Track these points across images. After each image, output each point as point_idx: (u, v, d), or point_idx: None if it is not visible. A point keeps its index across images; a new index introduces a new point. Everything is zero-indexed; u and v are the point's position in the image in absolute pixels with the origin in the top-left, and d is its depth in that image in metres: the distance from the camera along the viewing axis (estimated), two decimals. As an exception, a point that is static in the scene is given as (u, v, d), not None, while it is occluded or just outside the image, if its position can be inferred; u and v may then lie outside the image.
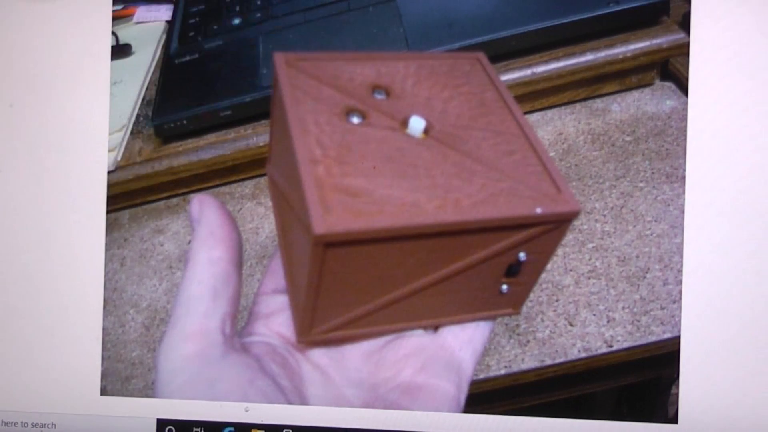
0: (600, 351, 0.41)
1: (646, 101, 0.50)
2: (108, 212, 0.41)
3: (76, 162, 0.41)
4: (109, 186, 0.41)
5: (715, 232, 0.37)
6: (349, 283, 0.26)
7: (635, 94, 0.51)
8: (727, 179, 0.37)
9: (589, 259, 0.44)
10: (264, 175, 0.52)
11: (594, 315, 0.42)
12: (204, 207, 0.28)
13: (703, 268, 0.37)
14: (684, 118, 0.37)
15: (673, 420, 0.37)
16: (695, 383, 0.37)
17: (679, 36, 0.47)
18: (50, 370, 0.39)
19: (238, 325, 0.28)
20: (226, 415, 0.37)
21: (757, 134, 0.37)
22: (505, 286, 0.29)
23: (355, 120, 0.27)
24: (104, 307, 0.44)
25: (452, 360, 0.30)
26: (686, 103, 0.37)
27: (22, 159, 0.41)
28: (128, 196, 0.51)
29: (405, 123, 0.27)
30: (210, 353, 0.26)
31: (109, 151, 0.43)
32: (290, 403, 0.28)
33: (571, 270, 0.44)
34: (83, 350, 0.39)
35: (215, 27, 0.54)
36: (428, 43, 0.48)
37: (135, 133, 0.52)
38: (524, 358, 0.42)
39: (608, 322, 0.42)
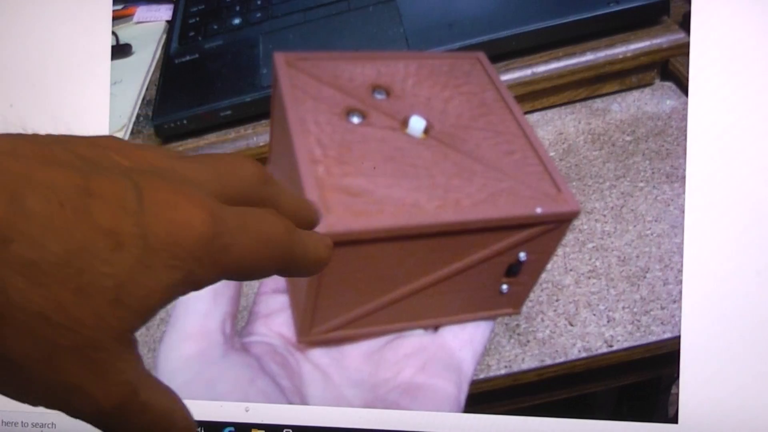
0: (600, 351, 0.41)
1: (646, 101, 0.50)
2: (108, 212, 0.40)
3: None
4: (109, 186, 0.41)
5: (715, 232, 0.37)
6: (350, 283, 0.26)
7: (635, 94, 0.50)
8: (727, 179, 0.37)
9: (590, 259, 0.44)
10: (264, 175, 0.52)
11: (594, 315, 0.42)
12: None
13: (703, 268, 0.37)
14: (684, 118, 0.37)
15: (673, 420, 0.37)
16: (695, 383, 0.37)
17: (679, 36, 0.47)
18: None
19: (238, 325, 0.28)
20: (226, 415, 0.37)
21: (757, 134, 0.37)
22: (505, 286, 0.29)
23: (356, 120, 0.27)
24: (104, 307, 0.44)
25: (452, 360, 0.30)
26: (686, 103, 0.37)
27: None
28: (128, 196, 0.51)
29: (405, 123, 0.27)
30: (210, 353, 0.26)
31: (109, 151, 0.42)
32: (290, 403, 0.28)
33: (571, 270, 0.44)
34: (83, 350, 0.39)
35: (215, 27, 0.54)
36: (428, 43, 0.48)
37: (135, 132, 0.52)
38: (524, 358, 0.42)
39: (608, 322, 0.42)
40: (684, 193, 0.39)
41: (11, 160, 0.14)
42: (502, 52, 0.49)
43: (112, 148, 0.16)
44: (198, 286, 0.16)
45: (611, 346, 0.41)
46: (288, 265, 0.18)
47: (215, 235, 0.16)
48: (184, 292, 0.16)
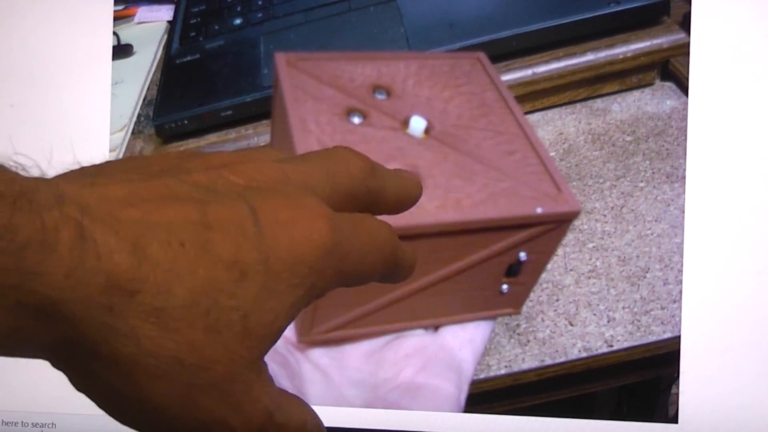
0: (600, 351, 0.41)
1: (647, 101, 0.50)
2: (109, 212, 0.41)
3: (77, 162, 0.41)
4: (110, 186, 0.41)
5: (715, 232, 0.37)
6: (350, 283, 0.26)
7: (635, 94, 0.50)
8: (727, 179, 0.37)
9: (590, 259, 0.44)
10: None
11: (594, 315, 0.42)
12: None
13: (703, 268, 0.37)
14: (684, 118, 0.37)
15: (673, 420, 0.37)
16: (695, 383, 0.37)
17: (680, 36, 0.47)
18: (50, 370, 0.39)
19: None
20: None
21: (757, 134, 0.37)
22: (505, 286, 0.29)
23: (356, 120, 0.27)
24: (105, 307, 0.44)
25: (452, 360, 0.30)
26: (686, 103, 0.37)
27: (22, 159, 0.41)
28: (129, 195, 0.51)
29: (406, 123, 0.27)
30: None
31: (110, 151, 0.43)
32: (291, 402, 0.28)
33: (571, 270, 0.44)
34: (84, 350, 0.39)
35: (216, 27, 0.54)
36: (429, 43, 0.48)
37: (136, 133, 0.52)
38: (524, 358, 0.42)
39: (608, 321, 0.42)
40: (684, 193, 0.39)
41: (128, 209, 0.14)
42: (502, 52, 0.49)
43: (225, 166, 0.16)
44: (319, 296, 0.16)
45: (611, 346, 0.41)
46: (392, 268, 0.19)
47: (335, 244, 0.16)
48: (307, 305, 0.16)
